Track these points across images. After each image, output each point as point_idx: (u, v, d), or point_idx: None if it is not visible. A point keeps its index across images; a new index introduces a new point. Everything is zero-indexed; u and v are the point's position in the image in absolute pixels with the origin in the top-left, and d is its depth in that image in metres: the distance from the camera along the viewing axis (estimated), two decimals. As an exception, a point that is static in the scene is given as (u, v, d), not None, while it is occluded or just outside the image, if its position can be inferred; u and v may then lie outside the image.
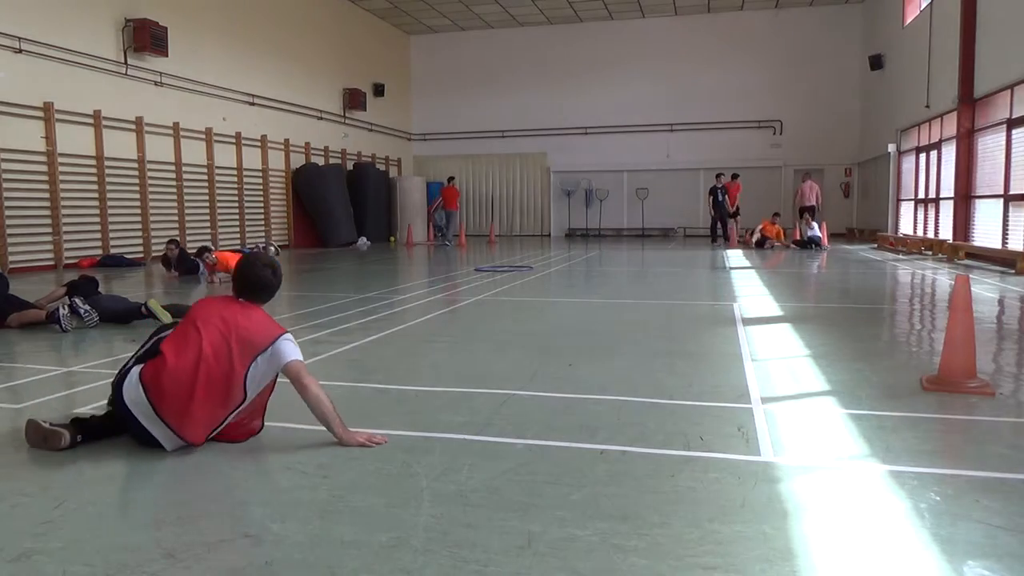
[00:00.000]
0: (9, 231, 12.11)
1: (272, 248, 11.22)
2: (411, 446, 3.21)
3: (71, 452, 3.13)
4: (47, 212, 12.82)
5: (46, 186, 12.78)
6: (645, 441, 3.22)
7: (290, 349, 3.13)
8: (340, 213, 20.30)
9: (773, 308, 7.49)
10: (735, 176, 20.51)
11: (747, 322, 6.52)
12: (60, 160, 12.90)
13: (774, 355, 5.14)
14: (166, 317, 6.40)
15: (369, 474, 2.85)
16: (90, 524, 2.42)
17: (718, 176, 20.70)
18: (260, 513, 2.50)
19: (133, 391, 3.03)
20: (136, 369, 3.09)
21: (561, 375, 4.54)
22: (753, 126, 24.43)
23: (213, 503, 2.60)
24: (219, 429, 3.12)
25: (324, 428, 3.22)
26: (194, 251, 11.57)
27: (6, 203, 12.03)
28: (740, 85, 24.18)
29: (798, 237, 17.28)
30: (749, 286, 9.58)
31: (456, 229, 21.81)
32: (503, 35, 25.85)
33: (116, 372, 3.27)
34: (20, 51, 12.26)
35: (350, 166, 22.24)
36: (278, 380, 3.25)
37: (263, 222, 18.79)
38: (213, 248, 10.20)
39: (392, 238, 23.19)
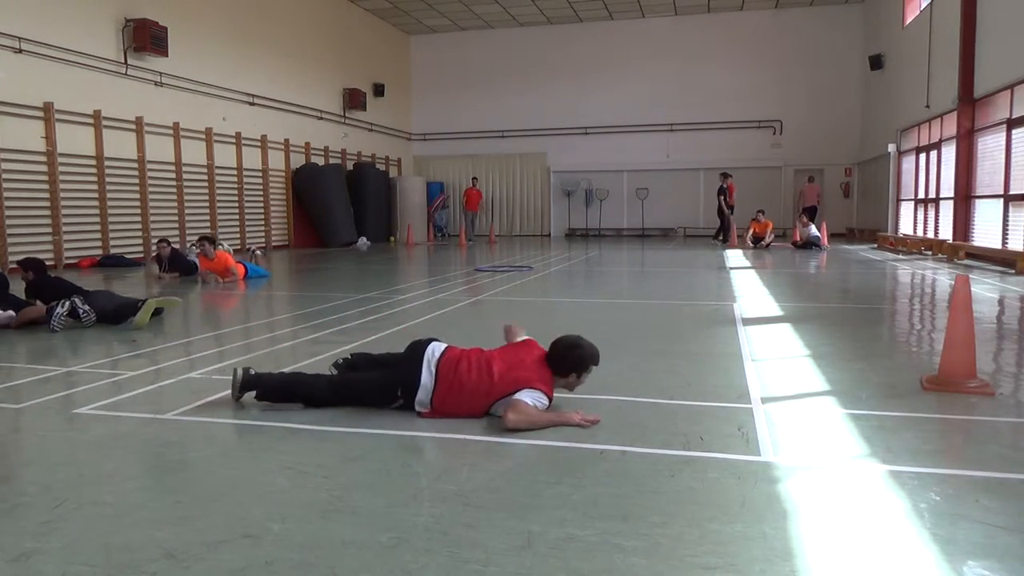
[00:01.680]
0: (9, 231, 12.11)
1: (256, 252, 11.13)
2: (411, 446, 3.21)
3: (69, 452, 3.17)
4: (47, 212, 12.83)
5: (46, 186, 12.78)
6: (645, 441, 3.22)
7: (524, 393, 3.45)
8: (340, 213, 20.30)
9: (773, 308, 7.48)
10: (727, 175, 20.42)
11: (747, 322, 6.52)
12: (60, 160, 12.90)
13: (774, 355, 5.14)
14: (143, 321, 6.44)
15: (369, 474, 2.85)
16: (90, 524, 2.42)
17: (722, 176, 20.66)
18: (260, 513, 2.50)
19: (437, 351, 3.69)
20: (444, 345, 3.77)
21: (561, 375, 4.53)
22: (753, 126, 24.43)
23: (213, 503, 2.60)
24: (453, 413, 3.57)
25: (322, 428, 3.22)
26: (192, 242, 11.45)
27: (6, 203, 12.03)
28: (740, 85, 24.17)
29: (797, 238, 17.26)
30: (749, 286, 9.57)
31: (479, 229, 22.03)
32: (503, 35, 25.84)
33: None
34: (20, 51, 12.26)
35: (350, 166, 22.24)
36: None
37: (263, 222, 18.80)
38: (218, 242, 10.04)
39: (392, 238, 23.19)
